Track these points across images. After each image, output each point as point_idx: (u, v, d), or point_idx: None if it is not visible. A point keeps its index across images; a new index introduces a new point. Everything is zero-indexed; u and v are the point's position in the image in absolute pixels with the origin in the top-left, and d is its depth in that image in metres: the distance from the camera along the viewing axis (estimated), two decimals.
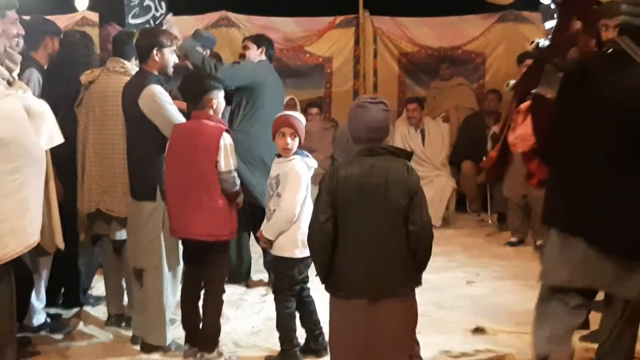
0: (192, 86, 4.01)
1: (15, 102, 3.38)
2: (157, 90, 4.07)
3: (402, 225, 2.96)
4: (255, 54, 5.67)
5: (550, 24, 4.72)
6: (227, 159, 3.87)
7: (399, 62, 9.05)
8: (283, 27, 8.92)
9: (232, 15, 8.92)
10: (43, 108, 3.70)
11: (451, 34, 8.94)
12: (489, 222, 7.84)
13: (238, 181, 3.95)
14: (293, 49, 8.91)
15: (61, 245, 4.12)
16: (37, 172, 3.46)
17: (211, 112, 3.99)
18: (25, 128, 3.38)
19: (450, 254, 6.54)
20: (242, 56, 5.73)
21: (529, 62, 6.48)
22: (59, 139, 3.79)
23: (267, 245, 4.03)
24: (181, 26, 8.48)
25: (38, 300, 4.46)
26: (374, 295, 2.98)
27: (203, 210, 3.87)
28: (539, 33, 8.63)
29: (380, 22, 9.00)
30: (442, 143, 7.95)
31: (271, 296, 5.19)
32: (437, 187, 7.63)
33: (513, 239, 6.91)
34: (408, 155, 3.14)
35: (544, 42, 4.63)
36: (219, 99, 4.02)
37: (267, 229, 3.98)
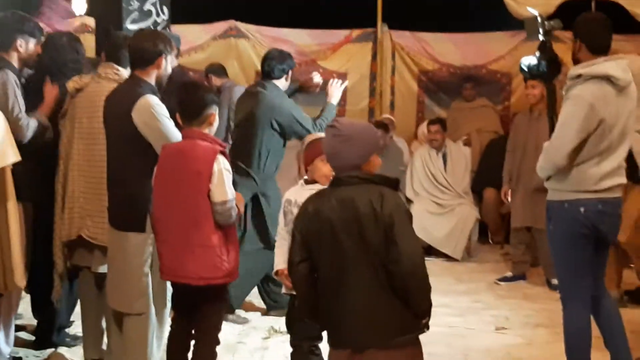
0: (192, 98, 3.40)
1: None
2: (155, 102, 3.50)
3: (383, 266, 2.54)
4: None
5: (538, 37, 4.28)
6: (221, 187, 3.27)
7: (418, 80, 8.49)
8: (295, 40, 8.39)
9: (241, 26, 8.42)
10: None
11: (475, 51, 8.37)
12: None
13: (235, 212, 3.35)
14: (306, 63, 8.32)
15: (21, 283, 3.54)
16: None
17: (207, 130, 3.39)
18: None
19: (476, 292, 5.95)
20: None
21: (533, 82, 5.98)
22: (13, 157, 3.39)
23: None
24: (187, 35, 8.06)
25: (7, 345, 3.85)
26: (358, 347, 2.59)
27: (193, 249, 3.27)
28: (570, 52, 8.16)
29: (400, 37, 8.47)
30: (465, 168, 7.33)
31: (274, 339, 4.64)
32: (459, 217, 7.00)
33: (509, 274, 6.32)
34: (389, 181, 2.65)
35: (532, 62, 4.20)
36: (216, 115, 3.44)
37: None
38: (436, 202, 7.08)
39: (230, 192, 3.30)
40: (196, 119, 3.35)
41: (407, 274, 2.50)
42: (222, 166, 3.28)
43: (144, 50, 3.59)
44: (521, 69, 4.12)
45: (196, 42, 8.31)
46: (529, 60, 4.08)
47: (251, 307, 5.34)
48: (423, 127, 7.94)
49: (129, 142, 3.53)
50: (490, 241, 7.78)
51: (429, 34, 8.47)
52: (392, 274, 2.51)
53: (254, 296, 5.35)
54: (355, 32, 8.48)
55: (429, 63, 8.45)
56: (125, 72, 3.86)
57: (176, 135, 3.47)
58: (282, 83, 5.09)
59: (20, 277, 3.50)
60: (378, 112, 8.43)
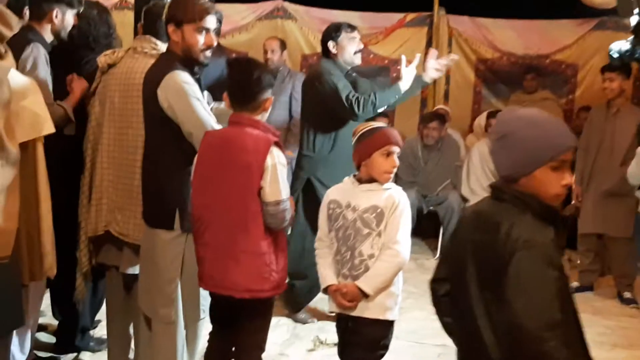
0: (248, 78, 2.88)
1: None
2: (183, 78, 3.02)
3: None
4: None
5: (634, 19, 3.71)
6: (274, 185, 2.79)
7: (476, 70, 7.94)
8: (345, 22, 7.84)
9: (289, 6, 7.94)
10: (27, 86, 2.85)
11: (539, 40, 7.77)
12: (577, 262, 6.63)
13: (289, 214, 2.87)
14: None
15: (51, 272, 3.12)
16: None
17: (260, 117, 2.91)
18: None
19: None
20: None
21: (611, 74, 5.39)
22: (47, 129, 2.95)
23: (351, 306, 2.93)
24: (231, 15, 7.60)
25: (21, 353, 3.42)
26: None
27: (238, 256, 2.80)
28: None
29: (457, 22, 7.91)
30: None
31: (320, 352, 4.16)
32: None
33: (575, 284, 5.72)
34: (543, 211, 1.92)
35: (623, 47, 3.60)
36: (272, 100, 2.95)
37: (368, 280, 2.90)
38: None
39: (285, 191, 2.82)
40: (250, 104, 2.87)
41: (509, 349, 1.87)
42: (277, 160, 2.80)
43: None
44: (610, 56, 3.55)
45: (240, 22, 7.85)
46: (620, 45, 3.49)
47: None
48: (481, 120, 7.37)
49: (158, 126, 3.07)
50: None
51: (489, 19, 7.89)
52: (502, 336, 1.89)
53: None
54: (410, 16, 7.94)
55: (488, 51, 7.89)
56: (163, 47, 3.40)
57: (208, 120, 3.00)
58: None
59: (50, 266, 3.08)
60: (431, 102, 7.90)
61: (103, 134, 3.49)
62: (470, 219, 2.07)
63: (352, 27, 4.60)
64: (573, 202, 5.87)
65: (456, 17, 7.91)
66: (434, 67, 4.43)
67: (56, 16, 3.62)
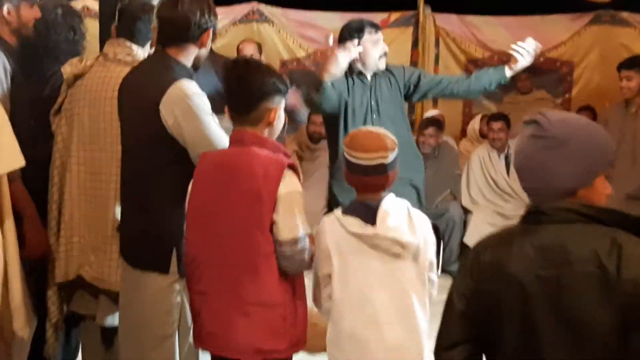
0: (244, 83, 2.35)
1: None
2: (192, 90, 2.50)
3: None
4: None
5: None
6: (290, 219, 2.28)
7: (465, 70, 7.39)
8: (326, 24, 7.29)
9: (264, 9, 7.40)
10: None
11: (532, 37, 7.28)
12: None
13: (309, 255, 2.35)
14: None
15: (22, 332, 2.58)
16: None
17: (266, 132, 2.37)
18: None
19: None
20: None
21: (628, 72, 4.99)
22: (17, 161, 2.56)
23: None
24: None
25: None
26: None
27: (246, 308, 2.28)
28: None
29: (445, 21, 7.44)
30: None
31: None
32: None
33: None
34: (628, 221, 1.67)
35: None
36: (280, 110, 2.41)
37: None
38: (498, 212, 6.02)
39: (303, 226, 2.28)
40: (248, 115, 2.33)
41: None
42: (292, 187, 2.27)
43: (184, 21, 2.55)
44: None
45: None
46: None
47: None
48: (474, 124, 6.94)
49: (154, 147, 2.52)
50: None
51: (478, 17, 7.42)
52: None
53: None
54: (394, 16, 7.42)
55: (478, 50, 7.41)
56: (141, 52, 2.85)
57: (223, 139, 2.46)
58: None
59: (21, 325, 2.53)
60: (419, 107, 7.41)
61: (71, 158, 2.94)
62: (526, 255, 1.67)
63: (376, 27, 4.05)
64: None
65: (443, 16, 7.45)
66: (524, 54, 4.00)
67: (8, 13, 3.06)
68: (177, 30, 2.57)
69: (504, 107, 7.27)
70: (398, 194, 2.50)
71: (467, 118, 7.41)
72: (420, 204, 4.00)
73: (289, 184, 2.27)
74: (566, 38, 7.31)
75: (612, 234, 1.61)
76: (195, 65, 2.66)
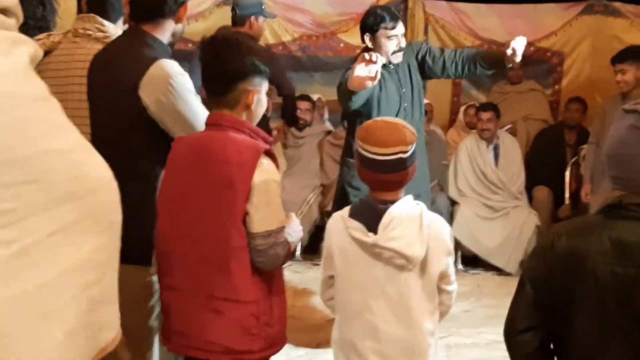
0: (219, 60, 2.18)
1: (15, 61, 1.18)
2: (175, 70, 2.33)
3: None
4: None
5: None
6: (264, 209, 2.11)
7: None
8: (314, 9, 7.17)
9: None
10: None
11: (523, 26, 7.12)
12: None
13: (284, 250, 2.18)
14: (324, 36, 7.15)
15: None
16: (77, 226, 1.19)
17: (244, 115, 2.20)
18: (28, 119, 1.09)
19: None
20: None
21: (623, 66, 4.86)
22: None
23: None
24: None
25: None
26: None
27: (216, 305, 2.12)
28: (633, 30, 7.03)
29: (434, 7, 7.26)
30: (520, 164, 6.14)
31: None
32: (516, 223, 5.81)
33: None
34: None
35: None
36: (261, 92, 2.23)
37: None
38: (486, 204, 5.89)
39: (278, 219, 2.11)
40: (224, 95, 2.16)
41: None
42: (268, 175, 2.10)
43: None
44: None
45: (196, 9, 7.06)
46: None
47: None
48: (460, 114, 6.81)
49: (132, 131, 2.34)
50: None
51: (469, 4, 7.26)
52: None
53: None
54: (382, 1, 7.19)
55: (468, 39, 7.22)
56: (113, 28, 2.67)
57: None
58: None
59: None
60: None
61: None
62: (604, 248, 1.66)
63: (395, 19, 3.88)
64: (583, 200, 5.30)
65: (433, 2, 7.26)
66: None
67: None
68: (152, 4, 2.39)
69: (493, 97, 7.13)
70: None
71: (455, 107, 7.26)
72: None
73: (265, 172, 2.10)
74: (557, 27, 7.16)
75: None
76: (172, 43, 2.49)
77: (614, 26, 6.97)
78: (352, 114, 3.98)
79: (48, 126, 1.02)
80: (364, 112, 3.82)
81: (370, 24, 3.90)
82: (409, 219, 2.20)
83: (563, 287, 1.72)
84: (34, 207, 0.93)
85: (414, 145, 2.25)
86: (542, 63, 7.22)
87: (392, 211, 2.20)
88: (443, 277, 2.27)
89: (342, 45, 7.20)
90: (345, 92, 3.64)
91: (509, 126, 6.73)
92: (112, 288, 1.10)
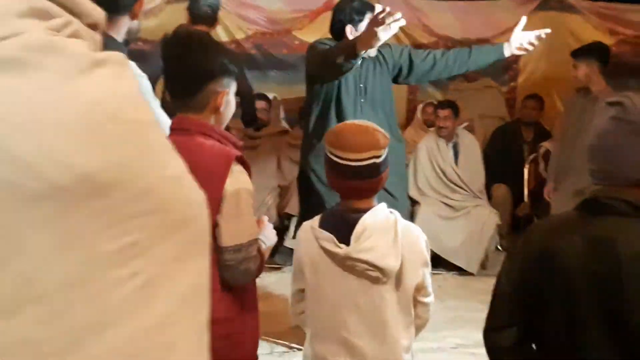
0: (185, 61, 2.01)
1: (131, 85, 1.04)
2: (134, 72, 2.10)
3: None
4: None
5: None
6: (234, 221, 1.96)
7: None
8: (267, 5, 7.00)
9: None
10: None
11: (479, 22, 7.13)
12: None
13: (255, 264, 2.04)
14: (278, 34, 7.01)
15: None
16: (189, 251, 1.07)
17: (213, 119, 2.04)
18: (152, 146, 1.01)
19: None
20: None
21: (575, 62, 4.85)
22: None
23: None
24: None
25: None
26: None
27: None
28: (588, 26, 7.05)
29: (390, 4, 6.84)
30: (480, 162, 6.08)
31: None
32: (477, 222, 5.73)
33: None
34: None
35: None
36: (230, 94, 2.08)
37: None
38: (447, 203, 5.81)
39: (250, 231, 1.96)
40: (191, 99, 2.00)
41: None
42: (240, 184, 1.95)
43: None
44: None
45: (145, 6, 6.84)
46: None
47: None
48: (418, 112, 6.74)
49: None
50: (499, 247, 6.60)
51: (424, 1, 7.20)
52: None
53: None
54: None
55: (424, 36, 7.18)
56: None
57: (164, 124, 2.12)
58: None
59: None
60: None
61: None
62: (576, 245, 1.62)
63: (373, 10, 3.71)
64: (546, 198, 5.25)
65: None
66: (527, 40, 3.90)
67: None
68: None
69: (450, 95, 7.09)
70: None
71: (411, 105, 7.19)
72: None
73: (237, 181, 1.96)
74: (513, 24, 6.96)
75: None
76: (127, 40, 2.32)
77: (569, 22, 6.99)
78: (309, 110, 3.85)
79: (166, 152, 0.98)
80: (324, 104, 3.71)
81: (356, 11, 3.74)
82: (382, 229, 2.07)
83: (536, 286, 1.70)
84: (156, 236, 0.91)
85: (387, 148, 2.13)
86: (498, 60, 7.17)
87: (365, 220, 2.07)
88: (419, 288, 2.15)
89: (297, 42, 7.06)
90: (343, 56, 3.43)
91: (465, 124, 6.68)
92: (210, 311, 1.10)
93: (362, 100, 3.83)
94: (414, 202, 5.85)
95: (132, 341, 0.88)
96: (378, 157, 2.09)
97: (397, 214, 2.14)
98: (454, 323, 4.54)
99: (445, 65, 3.98)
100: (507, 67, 7.22)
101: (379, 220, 2.08)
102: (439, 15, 7.18)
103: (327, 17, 6.95)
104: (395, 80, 4.02)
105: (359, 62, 3.72)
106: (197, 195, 1.04)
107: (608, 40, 6.85)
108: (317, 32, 7.02)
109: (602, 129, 1.68)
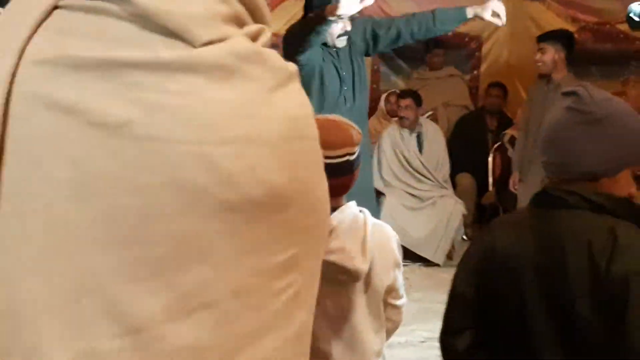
0: None
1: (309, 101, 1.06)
2: None
3: None
4: None
5: None
6: None
7: None
8: None
9: None
10: None
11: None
12: None
13: None
14: None
15: None
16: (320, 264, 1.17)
17: None
18: (319, 163, 1.11)
19: None
20: None
21: (543, 45, 4.81)
22: None
23: None
24: None
25: None
26: None
27: None
28: (550, 13, 7.03)
29: None
30: (443, 151, 6.02)
31: None
32: (443, 212, 5.68)
33: None
34: (623, 207, 1.55)
35: None
36: None
37: None
38: (412, 193, 5.74)
39: None
40: None
41: None
42: None
43: None
44: (629, 20, 2.85)
45: None
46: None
47: None
48: (383, 102, 6.66)
49: None
50: (464, 237, 6.56)
51: None
52: None
53: None
54: None
55: None
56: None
57: None
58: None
59: None
60: None
61: None
62: (524, 240, 1.57)
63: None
64: (511, 189, 5.21)
65: None
66: (502, 13, 3.84)
67: None
68: None
69: (413, 84, 7.03)
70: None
71: (375, 95, 7.08)
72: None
73: None
74: None
75: (613, 224, 1.47)
76: None
77: (531, 9, 6.96)
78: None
79: (322, 169, 1.06)
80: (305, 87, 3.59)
81: (317, 4, 3.62)
82: (351, 229, 1.97)
83: (488, 284, 1.63)
84: (309, 250, 0.97)
85: (360, 145, 2.03)
86: (460, 48, 7.16)
87: (333, 220, 1.97)
88: (390, 291, 2.06)
89: None
90: (318, 21, 3.37)
91: (429, 113, 6.63)
92: None
93: (345, 88, 3.76)
94: (378, 194, 5.78)
95: (278, 351, 0.92)
96: (352, 153, 1.99)
97: (367, 212, 2.04)
98: (422, 316, 4.48)
99: (411, 34, 3.96)
100: (470, 55, 7.19)
101: (347, 220, 1.98)
102: (400, 3, 7.06)
103: (287, 7, 6.94)
104: (365, 54, 3.99)
105: (342, 43, 3.70)
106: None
107: (570, 27, 6.84)
108: (277, 21, 6.92)
109: (556, 120, 1.61)
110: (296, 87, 0.94)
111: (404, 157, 5.79)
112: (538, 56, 4.86)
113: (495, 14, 3.84)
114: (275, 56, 0.91)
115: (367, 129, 4.14)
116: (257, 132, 0.85)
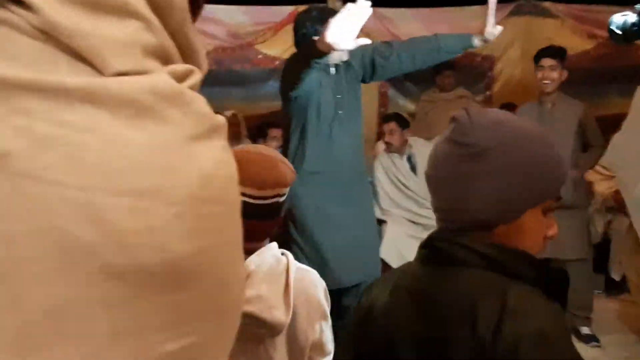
0: None
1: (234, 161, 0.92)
2: None
3: None
4: None
5: None
6: None
7: None
8: (227, 18, 6.71)
9: None
10: None
11: (449, 30, 6.60)
12: None
13: None
14: (240, 48, 6.70)
15: None
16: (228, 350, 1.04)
17: None
18: (237, 237, 0.90)
19: None
20: None
21: (551, 62, 4.54)
22: None
23: None
24: None
25: None
26: None
27: None
28: (565, 30, 6.74)
29: None
30: None
31: None
32: None
33: None
34: (531, 269, 1.25)
35: (630, 19, 2.80)
36: None
37: None
38: (413, 220, 5.44)
39: None
40: None
41: None
42: None
43: None
44: (611, 32, 2.61)
45: None
46: (623, 19, 2.56)
47: None
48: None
49: None
50: None
51: (392, 9, 6.88)
52: None
53: None
54: (302, 9, 6.83)
55: None
56: None
57: None
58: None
59: None
60: None
61: None
62: (400, 302, 1.32)
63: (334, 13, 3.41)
64: None
65: None
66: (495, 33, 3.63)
67: None
68: None
69: (422, 106, 6.80)
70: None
71: (382, 118, 6.88)
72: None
73: None
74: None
75: (505, 287, 1.19)
76: None
77: (545, 27, 6.69)
78: (287, 135, 3.59)
79: (240, 247, 0.91)
80: (297, 120, 3.48)
81: (316, 24, 3.54)
82: (271, 274, 1.74)
83: (362, 351, 1.39)
84: (212, 340, 0.85)
85: (289, 188, 1.81)
86: (471, 68, 6.91)
87: (250, 264, 1.74)
88: (316, 347, 1.81)
89: (260, 56, 6.77)
90: (304, 60, 3.22)
91: (437, 138, 6.37)
92: None
93: (340, 112, 3.59)
94: (380, 222, 5.52)
95: None
96: (282, 195, 1.77)
97: (289, 255, 1.81)
98: None
99: (413, 62, 3.82)
100: (482, 75, 6.93)
101: (266, 263, 1.75)
102: (408, 24, 6.87)
103: (291, 30, 6.74)
104: (362, 80, 3.82)
105: (333, 71, 3.56)
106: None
107: (587, 44, 6.57)
108: (282, 44, 6.78)
109: (435, 155, 1.33)
110: (221, 142, 0.79)
111: (401, 182, 5.50)
112: (546, 73, 4.58)
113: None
114: (201, 101, 0.78)
115: (362, 154, 3.90)
116: (163, 187, 0.70)
